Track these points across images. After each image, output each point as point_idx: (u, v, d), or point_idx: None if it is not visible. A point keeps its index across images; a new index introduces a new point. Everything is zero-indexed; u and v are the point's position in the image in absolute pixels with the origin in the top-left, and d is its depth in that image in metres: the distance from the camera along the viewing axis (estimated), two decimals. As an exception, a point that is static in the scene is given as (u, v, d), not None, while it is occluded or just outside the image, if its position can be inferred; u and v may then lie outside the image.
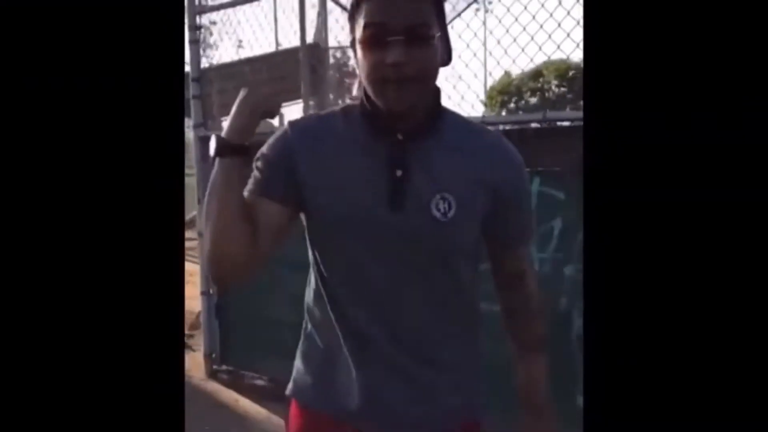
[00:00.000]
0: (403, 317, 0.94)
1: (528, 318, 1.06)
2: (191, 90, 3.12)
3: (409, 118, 0.91)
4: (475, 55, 2.83)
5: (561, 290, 2.18)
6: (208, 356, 3.31)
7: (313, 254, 1.00)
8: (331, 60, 5.23)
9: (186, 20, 3.06)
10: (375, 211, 0.90)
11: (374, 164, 0.91)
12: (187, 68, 3.01)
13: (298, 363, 1.07)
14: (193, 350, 3.73)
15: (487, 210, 0.95)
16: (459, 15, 5.07)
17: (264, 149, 0.97)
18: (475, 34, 2.94)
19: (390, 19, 0.82)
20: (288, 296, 2.57)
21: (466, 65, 2.80)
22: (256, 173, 0.95)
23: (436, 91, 0.95)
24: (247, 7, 3.18)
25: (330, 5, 4.52)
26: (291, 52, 4.20)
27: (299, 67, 3.99)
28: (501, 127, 2.18)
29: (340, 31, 4.66)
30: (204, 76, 3.15)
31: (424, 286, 0.94)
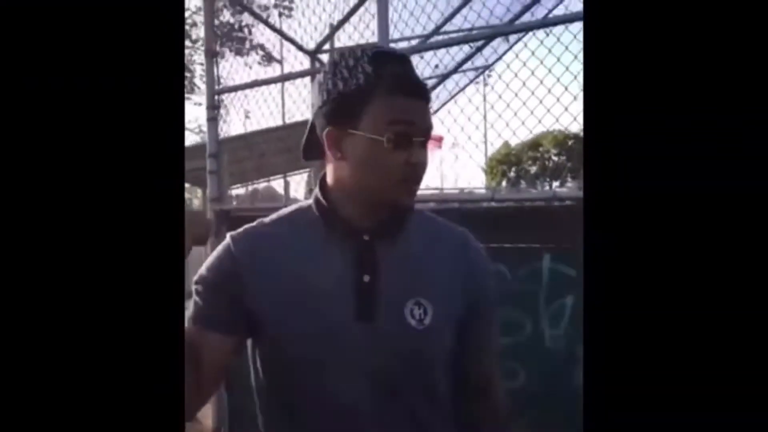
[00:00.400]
0: None
1: (497, 427, 0.94)
2: (208, 165, 3.24)
3: (380, 217, 0.85)
4: (477, 127, 2.97)
5: (574, 367, 2.19)
6: (217, 430, 3.28)
7: (266, 380, 0.87)
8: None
9: (205, 99, 3.22)
10: (342, 324, 0.80)
11: (338, 270, 0.83)
12: (202, 139, 3.12)
13: None
14: (201, 422, 3.68)
15: (461, 313, 0.87)
16: (462, 90, 5.31)
17: (203, 270, 0.87)
18: (477, 108, 3.09)
19: (418, 119, 0.80)
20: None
21: (469, 137, 2.93)
22: (196, 299, 0.86)
23: None
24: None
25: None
26: (298, 125, 4.40)
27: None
28: (508, 203, 2.28)
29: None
30: (220, 148, 3.28)
31: (398, 404, 0.82)
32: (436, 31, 4.42)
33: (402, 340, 0.81)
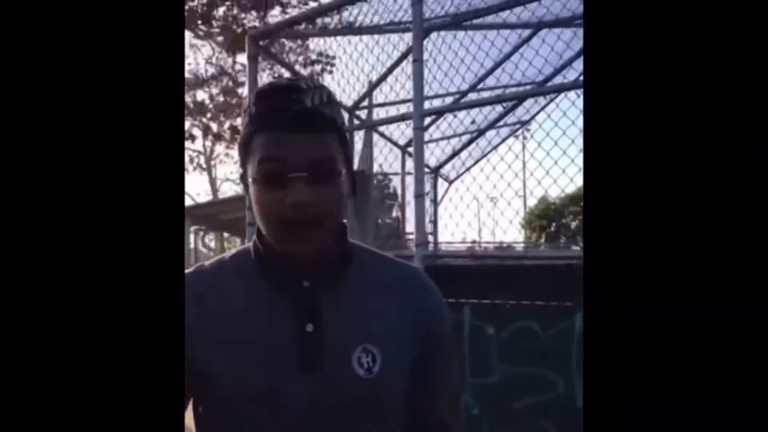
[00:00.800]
0: None
1: None
2: (248, 217, 3.37)
3: (314, 261, 0.78)
4: (509, 184, 2.99)
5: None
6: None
7: None
8: (375, 181, 5.57)
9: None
10: (283, 378, 0.74)
11: (278, 320, 0.77)
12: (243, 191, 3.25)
13: None
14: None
15: (415, 356, 0.81)
16: (495, 148, 5.38)
17: None
18: (516, 156, 3.13)
19: (290, 154, 0.72)
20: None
21: (501, 194, 2.96)
22: None
23: (343, 228, 0.83)
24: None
25: (375, 137, 4.89)
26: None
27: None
28: (542, 261, 2.29)
29: (383, 160, 5.01)
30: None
31: None
32: (472, 89, 4.54)
33: (350, 390, 0.75)
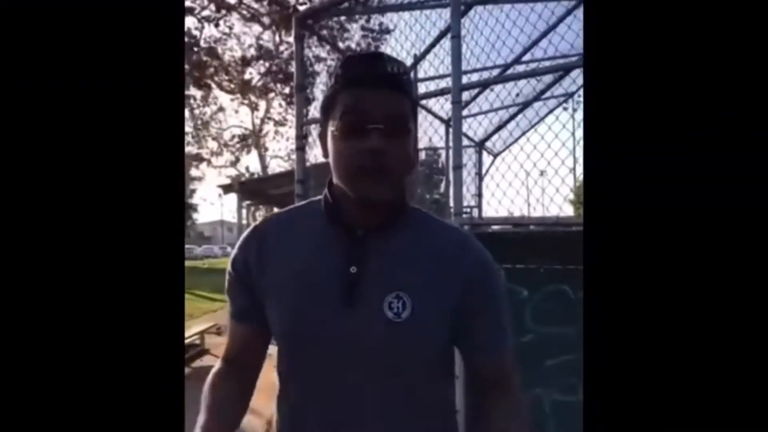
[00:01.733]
0: (356, 418, 0.86)
1: (516, 424, 0.87)
2: (296, 189, 3.55)
3: (374, 213, 0.88)
4: (563, 144, 3.00)
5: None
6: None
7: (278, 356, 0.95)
8: (422, 157, 5.64)
9: (294, 130, 3.54)
10: (327, 308, 0.85)
11: (332, 260, 0.87)
12: (291, 166, 3.42)
13: None
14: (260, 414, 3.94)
15: (454, 313, 0.87)
16: (542, 119, 5.36)
17: (230, 261, 0.96)
18: (564, 126, 3.16)
19: (370, 107, 0.82)
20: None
21: (556, 153, 3.00)
22: (227, 290, 0.96)
23: (403, 189, 0.91)
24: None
25: (421, 112, 4.95)
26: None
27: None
28: (576, 228, 2.36)
29: (434, 134, 5.10)
30: (308, 177, 3.58)
31: (377, 396, 0.86)
32: (515, 61, 4.56)
33: (378, 330, 0.83)
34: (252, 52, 16.26)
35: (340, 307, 0.85)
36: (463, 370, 0.96)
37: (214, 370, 0.97)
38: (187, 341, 6.58)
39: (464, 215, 2.93)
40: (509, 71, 4.49)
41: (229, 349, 1.00)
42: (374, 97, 0.82)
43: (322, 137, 0.90)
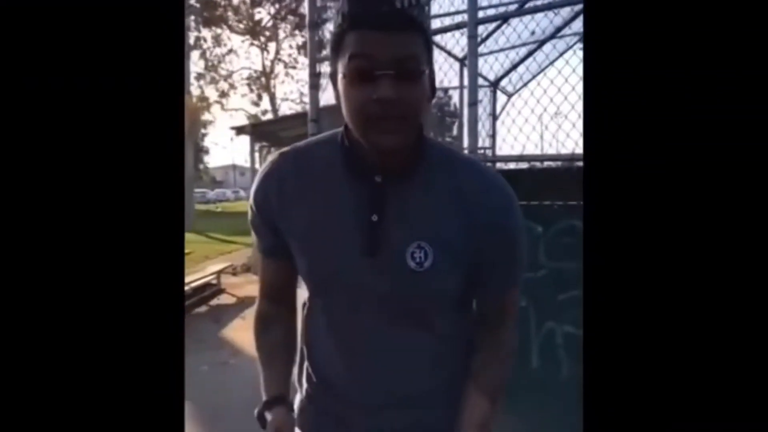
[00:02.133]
0: (378, 370, 0.90)
1: (493, 363, 0.94)
2: (309, 129, 3.53)
3: (390, 159, 0.84)
4: (573, 88, 2.96)
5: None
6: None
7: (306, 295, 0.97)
8: (434, 100, 5.56)
9: (308, 68, 3.50)
10: (350, 257, 0.85)
11: (350, 207, 0.86)
12: (303, 108, 3.40)
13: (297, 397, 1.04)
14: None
15: (473, 255, 0.87)
16: (561, 55, 5.24)
17: (252, 192, 0.94)
18: (574, 70, 3.10)
19: (379, 52, 0.75)
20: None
21: (565, 98, 2.96)
22: (251, 223, 0.96)
23: (420, 129, 0.86)
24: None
25: (434, 50, 4.83)
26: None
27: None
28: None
29: (442, 75, 5.01)
30: (321, 117, 3.56)
31: (398, 340, 0.88)
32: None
33: (399, 279, 0.84)
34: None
35: (361, 255, 0.84)
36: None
37: (256, 315, 1.01)
38: (204, 281, 6.75)
39: (479, 154, 2.91)
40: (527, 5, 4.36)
41: (263, 285, 1.02)
42: (383, 39, 0.75)
43: (333, 78, 0.85)
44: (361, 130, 0.80)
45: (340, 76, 0.81)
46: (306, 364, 0.99)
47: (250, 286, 7.16)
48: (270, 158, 0.96)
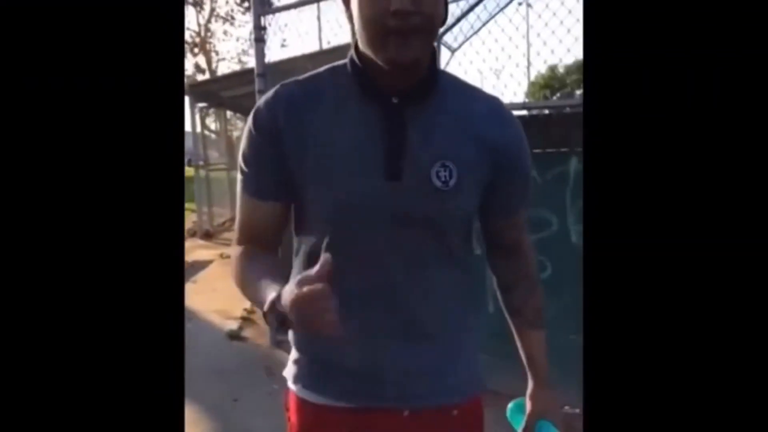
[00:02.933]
0: (399, 292, 0.88)
1: (526, 291, 1.02)
2: (257, 84, 3.44)
3: (405, 78, 0.83)
4: (517, 47, 3.01)
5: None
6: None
7: (304, 240, 0.92)
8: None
9: (252, 20, 3.39)
10: (373, 182, 0.83)
11: (368, 131, 0.84)
12: (252, 64, 3.33)
13: (293, 353, 0.99)
14: (256, 322, 4.06)
15: (488, 177, 0.89)
16: (502, 10, 5.27)
17: (251, 123, 0.88)
18: (517, 28, 3.13)
19: None
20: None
21: (509, 57, 3.00)
22: (242, 165, 0.90)
23: (434, 51, 0.87)
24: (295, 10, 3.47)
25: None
26: (340, 49, 4.53)
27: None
28: (543, 111, 2.42)
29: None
30: (267, 71, 3.48)
31: (419, 259, 0.88)
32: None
33: (427, 198, 0.84)
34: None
35: (385, 179, 0.83)
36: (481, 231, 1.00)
37: (237, 256, 0.91)
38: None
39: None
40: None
41: (246, 231, 0.93)
42: None
43: None
44: (378, 45, 0.79)
45: None
46: None
47: (197, 251, 7.02)
48: (272, 91, 0.90)
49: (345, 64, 0.89)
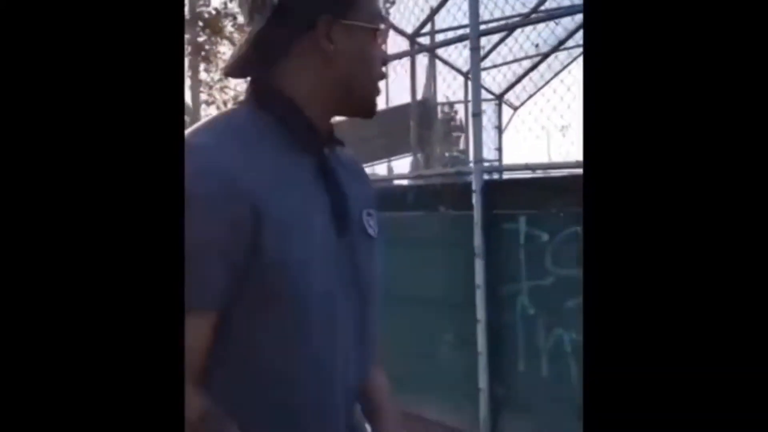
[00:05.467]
0: (360, 351, 0.80)
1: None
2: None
3: (331, 129, 0.81)
4: (576, 98, 2.97)
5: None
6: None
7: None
8: (440, 115, 5.60)
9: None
10: (327, 243, 0.74)
11: (308, 185, 0.74)
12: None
13: None
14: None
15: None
16: (566, 68, 5.24)
17: (202, 224, 0.65)
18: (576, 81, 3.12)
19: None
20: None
21: (568, 106, 2.96)
22: (204, 266, 0.66)
23: None
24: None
25: (439, 65, 4.90)
26: (401, 109, 4.64)
27: (409, 122, 4.47)
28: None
29: (447, 89, 5.05)
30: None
31: (367, 317, 0.81)
32: (533, 11, 4.48)
33: (367, 249, 0.80)
34: None
35: (338, 237, 0.75)
36: None
37: (197, 417, 0.67)
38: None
39: (484, 165, 2.94)
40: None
41: (196, 363, 0.69)
42: None
43: (327, 26, 0.72)
44: (368, 92, 0.77)
45: (359, 29, 0.73)
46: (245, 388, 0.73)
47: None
48: (190, 153, 0.64)
49: (249, 112, 0.75)
